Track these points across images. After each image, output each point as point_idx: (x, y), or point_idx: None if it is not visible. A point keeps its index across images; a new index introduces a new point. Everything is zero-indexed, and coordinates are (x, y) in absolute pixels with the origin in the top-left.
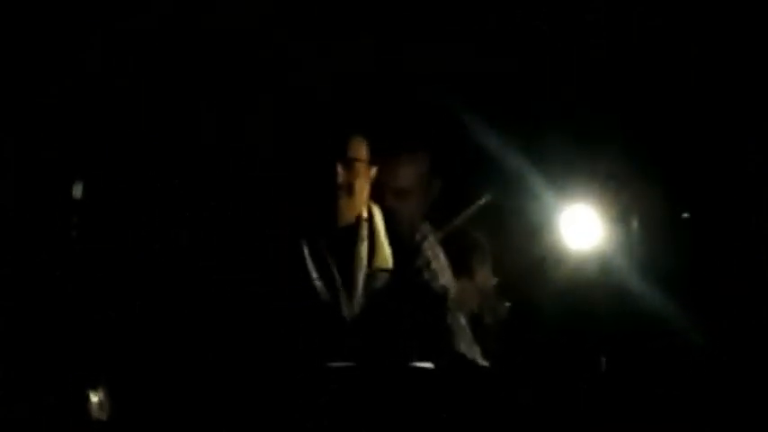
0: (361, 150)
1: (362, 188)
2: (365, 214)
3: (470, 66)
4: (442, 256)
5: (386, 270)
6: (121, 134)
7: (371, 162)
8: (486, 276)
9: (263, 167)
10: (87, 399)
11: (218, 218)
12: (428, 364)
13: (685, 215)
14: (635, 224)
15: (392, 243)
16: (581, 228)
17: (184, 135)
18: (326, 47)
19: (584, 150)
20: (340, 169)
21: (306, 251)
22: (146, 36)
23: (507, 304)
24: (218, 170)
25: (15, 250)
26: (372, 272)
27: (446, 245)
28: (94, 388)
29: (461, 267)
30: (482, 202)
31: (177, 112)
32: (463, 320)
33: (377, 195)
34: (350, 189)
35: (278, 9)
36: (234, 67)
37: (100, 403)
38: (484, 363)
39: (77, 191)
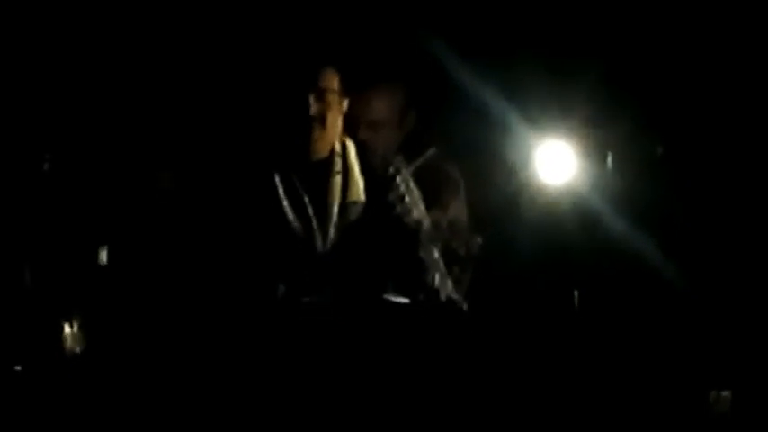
0: (333, 81)
1: (335, 120)
2: (338, 147)
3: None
4: (415, 190)
5: (359, 203)
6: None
7: (344, 94)
8: (459, 210)
9: (234, 101)
10: (61, 330)
11: (191, 152)
12: (402, 299)
13: (660, 151)
14: (609, 160)
15: (365, 176)
16: (556, 163)
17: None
18: None
19: (559, 86)
20: (312, 101)
21: (279, 184)
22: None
23: (479, 239)
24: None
25: None
26: (346, 205)
27: (419, 178)
28: (69, 320)
29: (435, 200)
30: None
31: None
32: (436, 254)
33: (350, 128)
34: (322, 121)
35: None
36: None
37: (74, 335)
38: (457, 297)
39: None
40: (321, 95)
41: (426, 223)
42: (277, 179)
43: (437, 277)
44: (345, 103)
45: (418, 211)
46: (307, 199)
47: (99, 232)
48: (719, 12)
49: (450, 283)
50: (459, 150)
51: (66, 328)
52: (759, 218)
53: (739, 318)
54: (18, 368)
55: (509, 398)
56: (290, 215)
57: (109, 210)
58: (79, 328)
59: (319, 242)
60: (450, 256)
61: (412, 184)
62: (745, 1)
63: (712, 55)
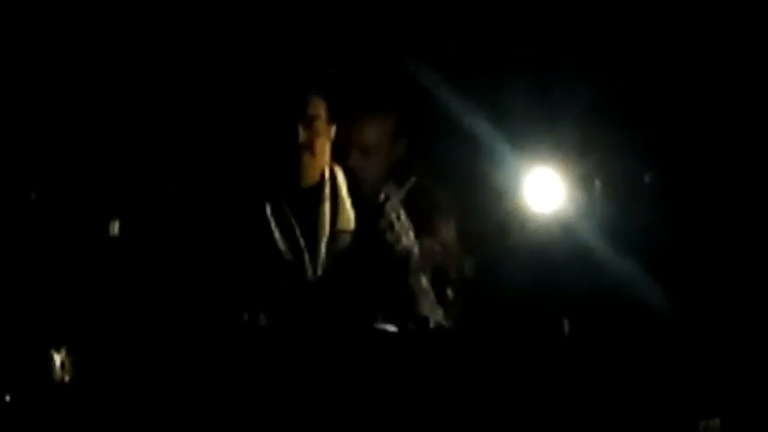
0: (320, 109)
1: (323, 147)
2: (327, 174)
3: (436, 28)
4: (404, 218)
5: (349, 231)
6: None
7: (331, 120)
8: (449, 234)
9: (223, 130)
10: (50, 359)
11: (181, 180)
12: (391, 327)
13: (648, 177)
14: (598, 187)
15: (355, 204)
16: (544, 190)
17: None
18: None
19: (547, 114)
20: (300, 129)
21: (269, 212)
22: None
23: (472, 260)
24: (180, 133)
25: None
26: (335, 232)
27: (409, 204)
28: (57, 348)
29: (425, 226)
30: (411, 183)
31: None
32: (425, 282)
33: (340, 156)
34: (311, 148)
35: None
36: (191, 31)
37: (63, 363)
38: (446, 325)
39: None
40: (309, 123)
41: (416, 251)
42: (267, 207)
43: (426, 305)
44: (333, 130)
45: (407, 238)
46: (296, 226)
47: (87, 254)
48: (703, 39)
49: (440, 311)
50: (448, 177)
51: (56, 357)
52: (748, 243)
53: (729, 344)
54: (7, 398)
55: (499, 425)
56: (280, 243)
57: (93, 234)
58: (68, 356)
59: (309, 270)
60: (442, 280)
61: (401, 212)
62: (728, 26)
63: (699, 81)
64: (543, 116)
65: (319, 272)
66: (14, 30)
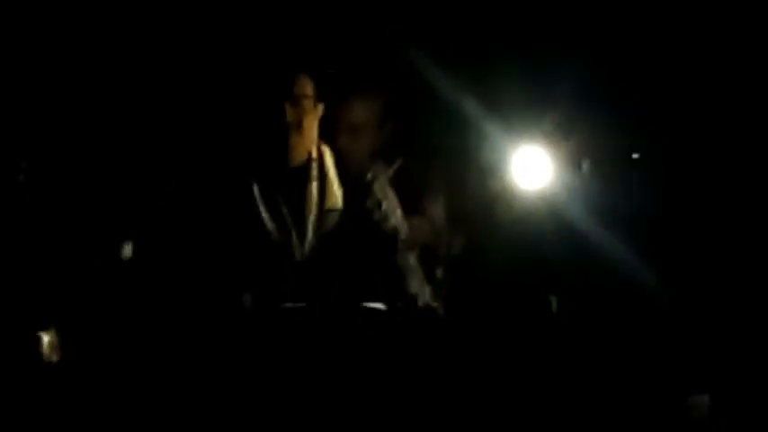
0: (307, 88)
1: (311, 126)
2: (315, 154)
3: (424, 9)
4: (392, 197)
5: (336, 210)
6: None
7: (319, 100)
8: (438, 213)
9: (209, 109)
10: (39, 339)
11: (169, 161)
12: (379, 305)
13: (635, 156)
14: (585, 165)
15: (343, 183)
16: (532, 169)
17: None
18: None
19: (534, 92)
20: (287, 107)
21: (256, 191)
22: None
23: (460, 239)
24: (168, 114)
25: None
26: (323, 212)
27: (397, 183)
28: (46, 328)
29: (414, 204)
30: (398, 162)
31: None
32: (413, 261)
33: (328, 135)
34: (299, 127)
35: None
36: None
37: (51, 343)
38: (434, 303)
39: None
40: (296, 102)
41: (404, 230)
42: (255, 186)
43: (415, 284)
44: (321, 110)
45: (395, 217)
46: (284, 206)
47: (78, 238)
48: (691, 18)
49: (427, 290)
50: (436, 156)
51: (44, 337)
52: (736, 221)
53: (717, 321)
54: None
55: (487, 404)
56: (268, 222)
57: (89, 217)
58: (56, 336)
59: (297, 249)
60: (430, 259)
61: (389, 191)
62: (716, 9)
63: (685, 59)
64: (531, 95)
65: (307, 251)
66: (14, 31)
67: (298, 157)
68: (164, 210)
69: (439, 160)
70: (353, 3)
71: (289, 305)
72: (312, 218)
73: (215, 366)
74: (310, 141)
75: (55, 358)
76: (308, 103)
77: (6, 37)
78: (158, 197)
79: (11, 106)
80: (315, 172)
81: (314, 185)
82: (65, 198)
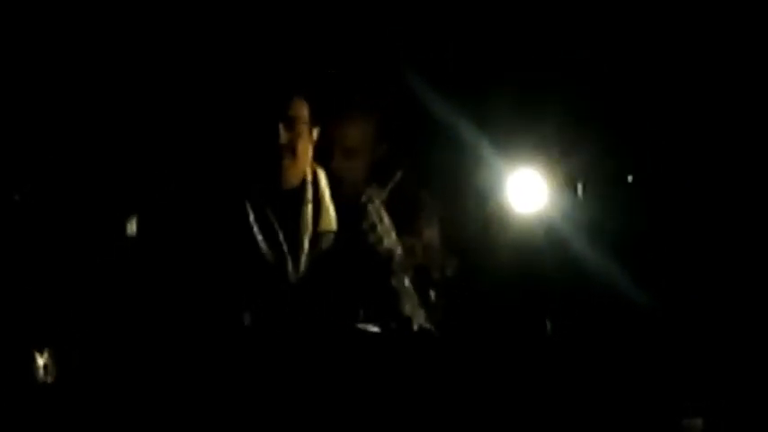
0: (302, 110)
1: (305, 149)
2: (309, 176)
3: (420, 31)
4: (386, 219)
5: (331, 232)
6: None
7: (314, 122)
8: (432, 234)
9: (203, 131)
10: (33, 361)
11: (163, 182)
12: (374, 327)
13: (630, 178)
14: (580, 188)
15: (337, 205)
16: (527, 191)
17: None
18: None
19: (529, 115)
20: (282, 130)
21: (251, 214)
22: None
23: (455, 261)
24: (163, 135)
25: None
26: (317, 234)
27: (392, 204)
28: (40, 350)
29: (408, 226)
30: (393, 184)
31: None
32: (408, 283)
33: (322, 157)
34: (293, 150)
35: None
36: (179, 32)
37: (46, 366)
38: (428, 326)
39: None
40: (291, 124)
41: (398, 252)
42: (249, 209)
43: (409, 306)
44: (316, 132)
45: (390, 239)
46: (278, 228)
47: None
48: (686, 40)
49: (422, 312)
50: (431, 178)
51: (39, 359)
52: (731, 242)
53: (712, 344)
54: None
55: (483, 426)
56: (262, 244)
57: (78, 237)
58: (52, 358)
59: (291, 271)
60: (425, 281)
61: (384, 213)
62: (712, 27)
63: (680, 82)
64: (526, 118)
65: (301, 273)
66: (14, 31)
67: (292, 179)
68: (158, 233)
69: (434, 183)
70: (349, 25)
71: (284, 326)
72: (306, 240)
73: (210, 386)
74: (304, 164)
75: (50, 380)
76: (302, 126)
77: (7, 37)
78: (154, 224)
79: (10, 108)
80: (309, 194)
81: (308, 208)
82: (63, 213)
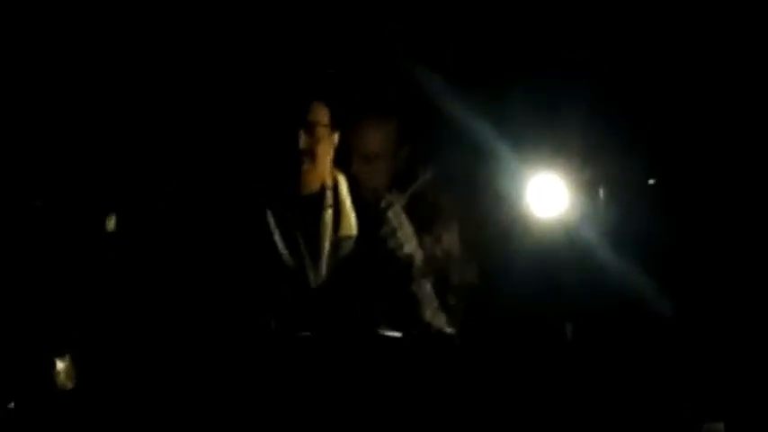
0: (321, 115)
1: (325, 154)
2: (330, 181)
3: (439, 33)
4: (407, 224)
5: (351, 237)
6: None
7: (334, 127)
8: (452, 240)
9: (225, 135)
10: (53, 366)
11: (184, 190)
12: (395, 333)
13: (652, 182)
14: (601, 193)
15: (357, 210)
16: (548, 196)
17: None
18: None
19: (551, 119)
20: (302, 135)
21: (271, 220)
22: None
23: (474, 267)
24: (183, 138)
25: None
26: (337, 239)
27: (412, 209)
28: (60, 355)
29: (428, 231)
30: (413, 189)
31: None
32: (429, 288)
33: (342, 162)
34: (313, 155)
35: None
36: (191, 36)
37: (66, 371)
38: (449, 331)
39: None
40: (311, 129)
41: (418, 257)
42: (270, 214)
43: (429, 311)
44: (336, 137)
45: (410, 245)
46: (299, 233)
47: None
48: (706, 43)
49: (443, 317)
50: (451, 183)
51: (59, 364)
52: (751, 247)
53: (732, 348)
54: (11, 405)
55: (502, 430)
56: (282, 250)
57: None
58: (71, 363)
59: (311, 276)
60: (445, 286)
61: (404, 218)
62: (731, 31)
63: (703, 85)
64: (546, 121)
65: (322, 278)
66: (14, 30)
67: (311, 184)
68: (179, 238)
69: (454, 188)
70: (369, 30)
71: (304, 333)
72: (327, 245)
73: (229, 393)
74: (324, 169)
75: (70, 385)
76: (322, 131)
77: (9, 37)
78: (174, 223)
79: (10, 112)
80: (330, 199)
81: (328, 213)
82: (79, 217)
